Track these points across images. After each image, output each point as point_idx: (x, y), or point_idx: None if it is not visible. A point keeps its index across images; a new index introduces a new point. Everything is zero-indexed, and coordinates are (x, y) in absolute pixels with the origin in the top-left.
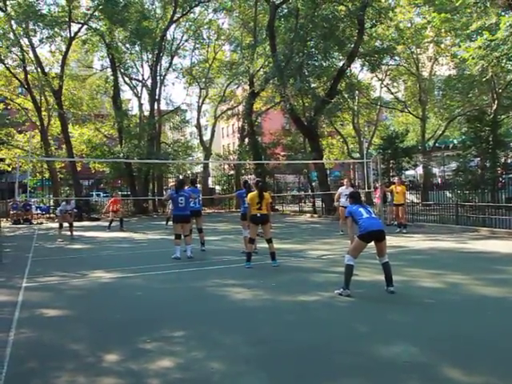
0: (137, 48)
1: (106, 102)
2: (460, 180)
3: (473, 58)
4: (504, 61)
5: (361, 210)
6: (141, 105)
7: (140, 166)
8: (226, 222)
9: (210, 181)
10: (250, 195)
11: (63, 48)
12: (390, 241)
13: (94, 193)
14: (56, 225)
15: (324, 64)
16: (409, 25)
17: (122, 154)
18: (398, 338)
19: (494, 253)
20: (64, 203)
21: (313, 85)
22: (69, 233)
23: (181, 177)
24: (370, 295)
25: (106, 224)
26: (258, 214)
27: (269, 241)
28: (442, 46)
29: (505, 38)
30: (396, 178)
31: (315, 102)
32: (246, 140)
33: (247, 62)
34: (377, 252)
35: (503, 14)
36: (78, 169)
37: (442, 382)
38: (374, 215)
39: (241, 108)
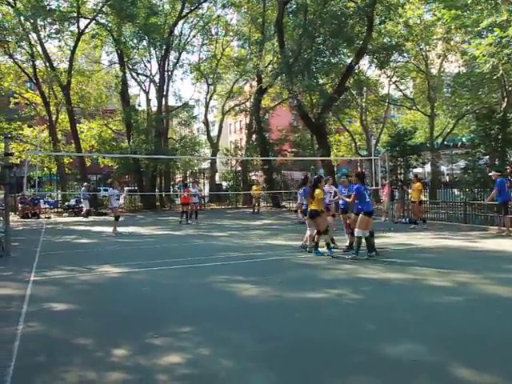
0: (145, 43)
1: (114, 97)
2: (468, 178)
3: (483, 56)
4: None
5: (365, 193)
6: (149, 100)
7: (148, 161)
8: (232, 218)
9: (218, 177)
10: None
11: (71, 43)
12: (398, 238)
13: (101, 188)
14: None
15: (332, 60)
16: (418, 21)
17: (129, 150)
18: (406, 336)
19: (504, 252)
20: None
21: (321, 81)
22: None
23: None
24: (377, 293)
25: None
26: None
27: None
28: (452, 43)
29: None
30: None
31: (323, 99)
32: (254, 136)
33: (255, 59)
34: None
35: None
36: (88, 164)
37: (450, 382)
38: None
39: (248, 104)
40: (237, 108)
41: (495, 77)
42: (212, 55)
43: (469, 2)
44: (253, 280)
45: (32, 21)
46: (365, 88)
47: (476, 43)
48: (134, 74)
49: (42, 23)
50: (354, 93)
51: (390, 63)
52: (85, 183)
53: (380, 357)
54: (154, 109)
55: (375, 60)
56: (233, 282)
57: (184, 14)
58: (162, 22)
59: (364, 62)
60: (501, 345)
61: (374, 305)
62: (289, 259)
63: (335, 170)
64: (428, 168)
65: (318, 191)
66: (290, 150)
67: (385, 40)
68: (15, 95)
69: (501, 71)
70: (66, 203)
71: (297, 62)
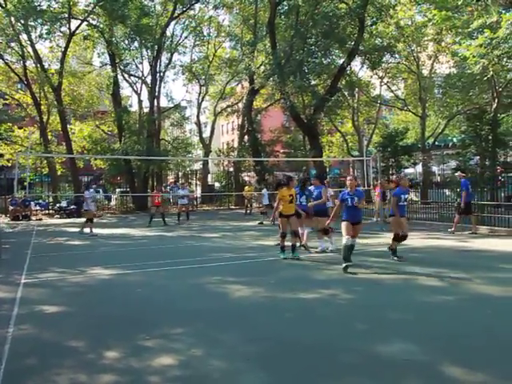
0: (136, 44)
1: (105, 99)
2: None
3: (473, 57)
4: (505, 59)
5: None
6: (140, 101)
7: (139, 162)
8: (224, 219)
9: (210, 178)
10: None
11: (63, 44)
12: (389, 239)
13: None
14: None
15: (324, 61)
16: (409, 23)
17: (121, 151)
18: (398, 336)
19: (494, 251)
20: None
21: (313, 82)
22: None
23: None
24: (369, 293)
25: (104, 221)
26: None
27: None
28: (443, 44)
29: (506, 36)
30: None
31: (315, 100)
32: (246, 137)
33: (247, 60)
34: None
35: (504, 12)
36: (80, 166)
37: (442, 380)
38: None
39: (241, 105)
40: (229, 109)
41: (485, 78)
42: (204, 56)
43: (459, 4)
44: (245, 281)
45: (23, 21)
46: (356, 89)
47: (466, 44)
48: (125, 76)
49: (32, 24)
50: (346, 94)
51: (382, 64)
52: (93, 185)
53: (372, 356)
54: (146, 110)
55: (367, 61)
56: (225, 283)
57: (176, 14)
58: (153, 23)
59: (356, 63)
60: (492, 344)
61: (366, 305)
62: (281, 260)
63: (327, 170)
64: (419, 168)
65: (279, 192)
66: (282, 150)
67: (376, 41)
68: (6, 96)
69: (491, 72)
70: (58, 205)
71: (289, 63)
